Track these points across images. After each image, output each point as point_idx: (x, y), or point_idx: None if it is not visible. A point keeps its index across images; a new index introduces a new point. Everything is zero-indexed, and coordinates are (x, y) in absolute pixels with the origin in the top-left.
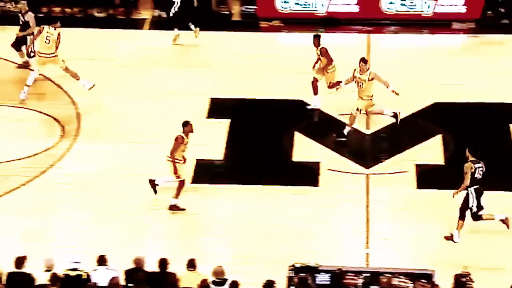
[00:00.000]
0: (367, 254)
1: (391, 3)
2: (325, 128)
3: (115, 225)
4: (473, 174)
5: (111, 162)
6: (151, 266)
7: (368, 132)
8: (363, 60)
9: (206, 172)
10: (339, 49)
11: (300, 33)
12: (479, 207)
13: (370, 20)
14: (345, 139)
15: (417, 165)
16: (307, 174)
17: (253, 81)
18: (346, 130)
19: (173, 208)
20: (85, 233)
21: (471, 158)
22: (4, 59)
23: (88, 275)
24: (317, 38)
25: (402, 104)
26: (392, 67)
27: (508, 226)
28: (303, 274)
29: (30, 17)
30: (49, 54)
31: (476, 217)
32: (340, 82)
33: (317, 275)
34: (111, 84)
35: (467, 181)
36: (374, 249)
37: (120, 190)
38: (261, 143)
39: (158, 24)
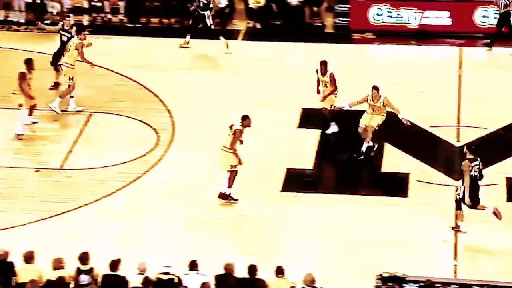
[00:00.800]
0: (455, 265)
1: (484, 16)
2: (414, 139)
3: (205, 231)
4: (469, 171)
5: (202, 169)
6: (240, 272)
7: (458, 144)
8: (376, 88)
9: (296, 181)
10: (431, 62)
11: (392, 45)
12: (475, 203)
13: (463, 33)
14: (362, 156)
15: (508, 178)
16: (396, 185)
17: (344, 92)
18: (364, 147)
19: (227, 197)
20: (177, 238)
21: (468, 156)
22: (105, 68)
23: (179, 279)
24: (324, 65)
25: (494, 117)
26: (483, 80)
27: (453, 228)
28: (391, 284)
29: (74, 31)
30: (67, 63)
31: (472, 207)
32: (337, 109)
33: (404, 285)
34: (205, 93)
35: (466, 179)
36: (462, 261)
37: (211, 197)
38: (351, 153)
39: (252, 34)
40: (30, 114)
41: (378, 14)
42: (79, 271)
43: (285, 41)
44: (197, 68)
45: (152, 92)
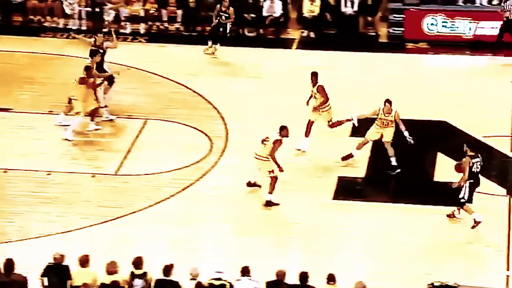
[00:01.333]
0: (507, 276)
1: None
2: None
3: (257, 237)
4: (470, 168)
5: (255, 177)
6: (291, 279)
7: (511, 154)
8: (389, 102)
9: (347, 189)
10: (485, 72)
11: (446, 55)
12: (469, 200)
13: None
14: (397, 170)
15: None
16: (449, 194)
17: (398, 101)
18: (393, 162)
19: (269, 203)
20: (229, 244)
21: (469, 153)
22: (161, 76)
23: (231, 285)
24: (314, 76)
25: None
26: None
27: (473, 227)
28: None
29: (106, 46)
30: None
31: (461, 204)
32: (342, 122)
33: None
34: (259, 101)
35: (465, 175)
36: None
37: (261, 203)
38: (403, 162)
39: (306, 43)
40: (92, 119)
41: (432, 24)
42: (133, 276)
43: (339, 50)
44: (251, 75)
45: (206, 100)
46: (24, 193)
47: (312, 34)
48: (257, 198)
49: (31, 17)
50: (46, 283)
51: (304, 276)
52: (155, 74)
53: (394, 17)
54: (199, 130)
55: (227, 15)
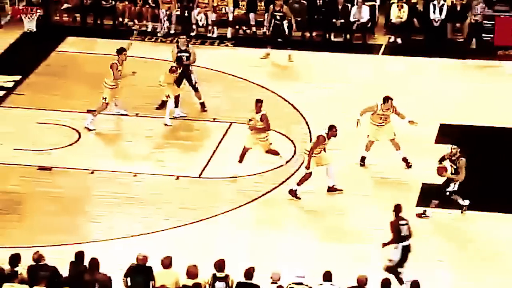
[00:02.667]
0: None
1: None
2: None
3: (339, 243)
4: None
5: (338, 182)
6: (372, 285)
7: None
8: (389, 98)
9: (431, 196)
10: None
11: None
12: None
13: None
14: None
15: None
16: None
17: (487, 108)
18: (401, 154)
19: (292, 193)
20: (311, 249)
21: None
22: (246, 79)
23: None
24: (259, 103)
25: None
26: None
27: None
28: None
29: (191, 49)
30: (106, 83)
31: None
32: (278, 153)
33: None
34: (344, 105)
35: (462, 176)
36: None
37: (346, 209)
38: (488, 170)
39: (392, 49)
40: (177, 106)
41: None
42: (215, 278)
43: (426, 56)
44: (337, 80)
45: (291, 104)
46: (110, 194)
47: (399, 40)
48: (340, 204)
49: (121, 20)
50: (129, 284)
51: (386, 284)
52: (241, 78)
53: (484, 23)
54: (283, 135)
55: (281, 14)
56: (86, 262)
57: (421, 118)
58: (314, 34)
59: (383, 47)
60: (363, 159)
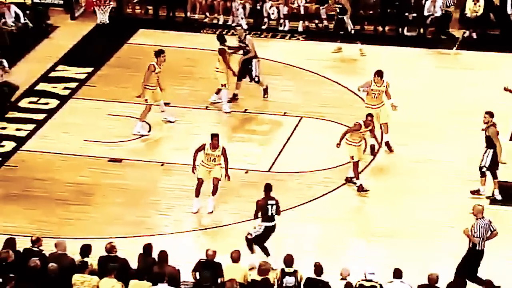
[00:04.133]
0: None
1: None
2: None
3: (410, 240)
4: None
5: (405, 178)
6: (443, 283)
7: None
8: (379, 74)
9: (508, 194)
10: None
11: None
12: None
13: None
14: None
15: None
16: None
17: None
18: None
19: (359, 188)
20: (381, 245)
21: (491, 122)
22: (316, 73)
23: (381, 287)
24: (216, 138)
25: None
26: None
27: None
28: None
29: (249, 41)
30: (148, 84)
31: (482, 173)
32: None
33: None
34: (414, 101)
35: (498, 143)
36: None
37: (414, 206)
38: None
39: (467, 44)
40: (218, 92)
41: None
42: (284, 273)
43: (502, 51)
44: (408, 75)
45: (362, 99)
46: (179, 187)
47: (474, 35)
48: (407, 201)
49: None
50: (197, 278)
51: (457, 285)
52: (312, 72)
53: None
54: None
55: (340, 5)
56: (154, 255)
57: (496, 114)
58: (386, 28)
59: (457, 41)
60: (372, 148)
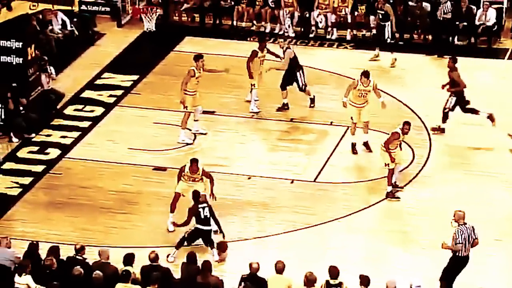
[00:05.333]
0: None
1: None
2: None
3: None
4: None
5: (457, 189)
6: None
7: None
8: (366, 74)
9: None
10: None
11: None
12: None
13: None
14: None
15: None
16: None
17: None
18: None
19: (389, 195)
20: (427, 257)
21: None
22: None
23: None
24: (195, 163)
25: None
26: None
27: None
28: None
29: (287, 54)
30: (186, 90)
31: None
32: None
33: None
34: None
35: None
36: None
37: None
38: None
39: None
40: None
41: None
42: (329, 285)
43: None
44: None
45: (410, 109)
46: (223, 196)
47: None
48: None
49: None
50: None
51: None
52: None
53: None
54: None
55: (383, 12)
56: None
57: None
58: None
59: (509, 51)
60: (353, 145)
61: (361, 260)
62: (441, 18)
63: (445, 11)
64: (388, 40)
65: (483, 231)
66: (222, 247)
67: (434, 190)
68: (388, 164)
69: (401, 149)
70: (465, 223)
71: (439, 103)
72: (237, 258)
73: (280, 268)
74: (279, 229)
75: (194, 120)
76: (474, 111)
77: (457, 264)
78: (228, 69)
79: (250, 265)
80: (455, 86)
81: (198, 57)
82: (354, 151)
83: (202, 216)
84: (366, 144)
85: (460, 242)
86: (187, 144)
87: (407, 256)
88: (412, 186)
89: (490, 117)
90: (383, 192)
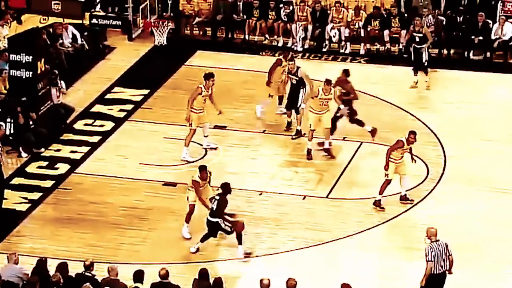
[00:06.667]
0: None
1: None
2: None
3: (473, 270)
4: None
5: (471, 206)
6: None
7: None
8: (328, 82)
9: None
10: None
11: None
12: None
13: None
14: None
15: None
16: None
17: None
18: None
19: (376, 203)
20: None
21: None
22: (376, 97)
23: None
24: (204, 170)
25: None
26: None
27: None
28: None
29: (302, 73)
30: (192, 107)
31: None
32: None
33: None
34: (481, 128)
35: None
36: None
37: (481, 236)
38: None
39: None
40: (280, 103)
41: None
42: None
43: None
44: (474, 101)
45: (425, 124)
46: (235, 212)
47: None
48: (474, 229)
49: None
50: None
51: None
52: (372, 96)
53: None
54: (415, 156)
55: (421, 35)
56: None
57: None
58: (452, 51)
59: None
60: (309, 152)
61: (374, 277)
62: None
63: (428, 24)
64: (426, 63)
65: (497, 250)
66: (237, 225)
67: (448, 207)
68: (388, 174)
69: (413, 161)
70: (437, 240)
71: (457, 120)
72: (248, 274)
73: (292, 286)
74: (291, 245)
75: (204, 136)
76: (360, 123)
77: (432, 282)
78: (221, 113)
79: (261, 281)
80: (348, 96)
81: (209, 76)
82: (308, 156)
83: (214, 208)
84: (328, 151)
85: (430, 259)
86: (188, 162)
87: (421, 274)
88: (426, 202)
89: (372, 132)
90: (396, 208)
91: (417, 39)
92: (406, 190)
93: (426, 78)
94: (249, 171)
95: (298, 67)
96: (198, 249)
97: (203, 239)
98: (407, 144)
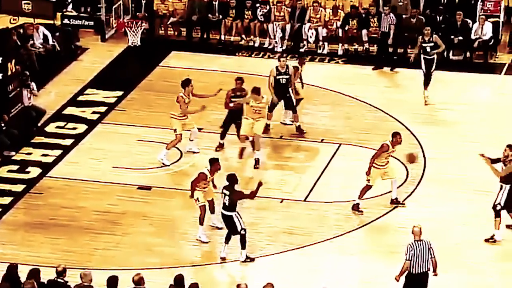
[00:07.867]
0: None
1: None
2: None
3: (453, 272)
4: None
5: (451, 209)
6: None
7: None
8: (255, 91)
9: None
10: None
11: None
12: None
13: None
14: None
15: None
16: None
17: None
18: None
19: (354, 207)
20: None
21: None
22: (355, 98)
23: None
24: (216, 162)
25: None
26: None
27: None
28: None
29: (292, 71)
30: (173, 114)
31: (497, 212)
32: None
33: None
34: (462, 129)
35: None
36: None
37: (462, 239)
38: None
39: None
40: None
41: None
42: None
43: None
44: (455, 102)
45: (405, 126)
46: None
47: None
48: (454, 232)
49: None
50: None
51: None
52: (351, 97)
53: None
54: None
55: (432, 44)
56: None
57: None
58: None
59: (506, 66)
60: (242, 150)
61: (354, 281)
62: (386, 30)
63: (390, 22)
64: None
65: (478, 252)
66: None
67: (428, 209)
68: (369, 180)
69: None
70: (420, 240)
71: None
72: (225, 280)
73: None
74: (268, 250)
75: (190, 140)
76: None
77: (411, 282)
78: (220, 89)
79: (238, 286)
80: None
81: (186, 83)
82: (240, 156)
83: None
84: (256, 161)
85: (408, 258)
86: (164, 165)
87: (402, 279)
88: (406, 205)
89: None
90: (376, 211)
91: (428, 49)
92: (385, 193)
93: (426, 93)
94: (225, 173)
95: (287, 65)
96: (225, 255)
97: (227, 240)
98: (394, 146)
